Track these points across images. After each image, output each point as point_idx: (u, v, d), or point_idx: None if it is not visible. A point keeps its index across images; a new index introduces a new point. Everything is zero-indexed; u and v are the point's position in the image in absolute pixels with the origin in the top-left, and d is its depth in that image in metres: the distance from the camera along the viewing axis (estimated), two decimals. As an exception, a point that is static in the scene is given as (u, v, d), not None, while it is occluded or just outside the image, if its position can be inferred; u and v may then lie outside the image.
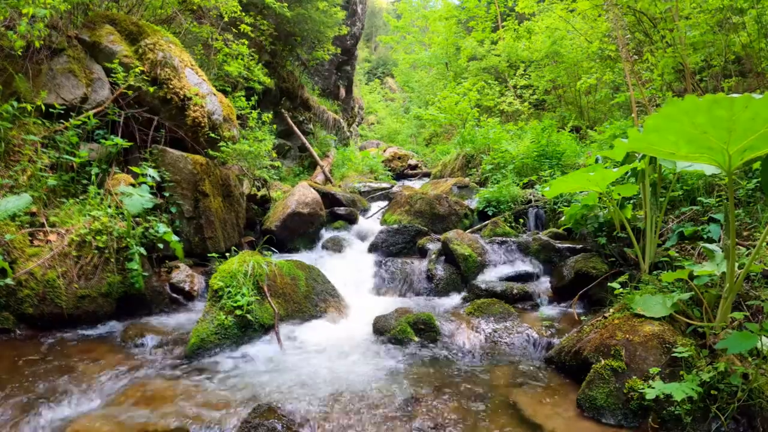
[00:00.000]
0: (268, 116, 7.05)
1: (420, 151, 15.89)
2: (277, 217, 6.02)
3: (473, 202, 6.88)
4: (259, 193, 6.83)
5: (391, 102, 28.08)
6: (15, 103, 3.84)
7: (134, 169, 4.27)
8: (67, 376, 2.77)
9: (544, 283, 4.55)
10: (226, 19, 7.00)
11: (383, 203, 7.89)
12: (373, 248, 5.62)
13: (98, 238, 3.64)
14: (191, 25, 6.67)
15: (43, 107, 4.08)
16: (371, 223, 6.97)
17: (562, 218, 4.86)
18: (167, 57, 4.93)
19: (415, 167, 13.73)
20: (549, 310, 4.01)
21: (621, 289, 3.32)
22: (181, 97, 4.93)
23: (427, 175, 12.26)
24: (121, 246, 3.72)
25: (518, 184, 6.81)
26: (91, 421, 2.37)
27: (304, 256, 5.52)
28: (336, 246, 5.88)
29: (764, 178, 2.41)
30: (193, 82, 5.12)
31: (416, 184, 10.22)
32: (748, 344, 2.21)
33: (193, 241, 4.74)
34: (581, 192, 4.54)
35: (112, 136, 4.40)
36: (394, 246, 5.56)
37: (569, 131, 8.67)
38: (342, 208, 7.03)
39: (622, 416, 2.44)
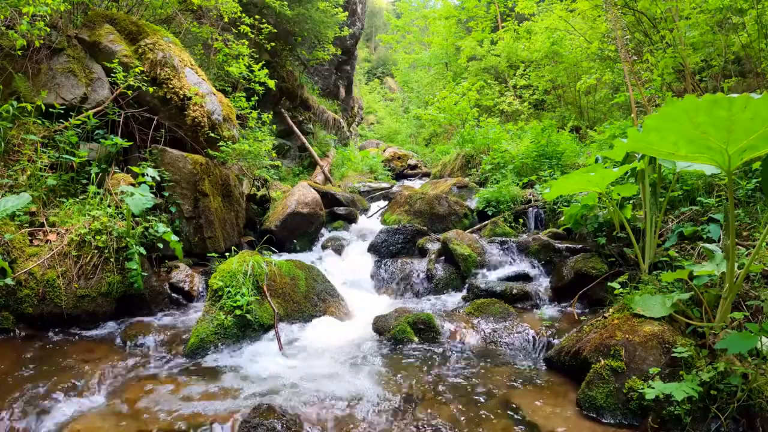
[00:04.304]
0: (267, 116, 7.05)
1: (420, 151, 15.89)
2: (276, 216, 6.02)
3: (473, 202, 6.88)
4: (259, 193, 6.83)
5: (390, 102, 28.09)
6: (15, 103, 3.84)
7: (134, 168, 4.27)
8: (67, 375, 2.77)
9: (544, 283, 4.54)
10: (226, 19, 7.00)
11: (383, 203, 7.89)
12: (372, 248, 5.62)
13: (98, 237, 3.63)
14: (191, 25, 6.67)
15: (43, 107, 4.08)
16: (371, 222, 6.97)
17: (562, 218, 4.85)
18: (167, 57, 4.93)
19: (414, 167, 13.74)
20: (549, 310, 4.01)
21: (621, 289, 3.32)
22: (181, 96, 4.93)
23: (426, 174, 12.26)
24: (121, 246, 3.72)
25: (518, 184, 6.81)
26: (91, 420, 2.37)
27: (303, 256, 5.52)
28: (336, 246, 5.88)
29: (764, 178, 2.41)
30: (193, 81, 5.12)
31: (416, 184, 10.23)
32: (748, 344, 2.21)
33: (192, 241, 4.74)
34: (581, 192, 4.54)
35: (111, 136, 4.40)
36: (393, 246, 5.56)
37: (569, 131, 8.67)
38: (342, 207, 7.03)
39: (621, 416, 2.44)
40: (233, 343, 3.36)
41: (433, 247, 5.22)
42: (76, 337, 3.39)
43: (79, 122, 4.20)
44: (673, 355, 2.50)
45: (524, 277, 4.64)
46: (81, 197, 4.07)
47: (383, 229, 5.82)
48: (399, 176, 12.99)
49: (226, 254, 4.48)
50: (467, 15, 16.14)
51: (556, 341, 3.31)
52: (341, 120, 14.34)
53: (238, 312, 3.43)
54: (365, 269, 5.14)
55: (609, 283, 3.49)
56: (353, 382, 2.84)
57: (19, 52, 3.97)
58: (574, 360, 2.88)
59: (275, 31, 8.33)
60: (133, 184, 4.16)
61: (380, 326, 3.67)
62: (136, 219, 3.96)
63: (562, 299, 4.16)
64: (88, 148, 4.31)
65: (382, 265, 5.08)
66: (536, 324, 3.64)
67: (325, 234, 6.39)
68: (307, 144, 10.74)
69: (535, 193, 6.42)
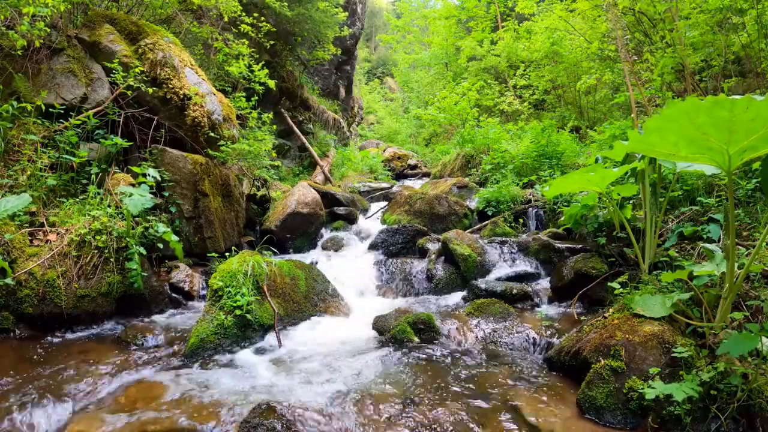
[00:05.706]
0: (268, 116, 7.05)
1: (420, 151, 15.90)
2: (276, 216, 6.02)
3: (473, 202, 6.88)
4: (259, 193, 6.83)
5: (390, 102, 28.10)
6: (15, 103, 3.84)
7: (134, 168, 4.27)
8: (67, 376, 2.77)
9: (544, 283, 4.54)
10: (226, 19, 7.00)
11: (383, 203, 7.89)
12: (372, 248, 5.62)
13: (98, 237, 3.63)
14: (191, 25, 6.67)
15: (43, 107, 4.08)
16: (371, 223, 6.97)
17: (562, 218, 4.85)
18: (167, 57, 4.93)
19: (414, 167, 13.75)
20: (549, 310, 4.01)
21: (621, 289, 3.32)
22: (181, 96, 4.93)
23: (426, 174, 12.27)
24: (121, 246, 3.72)
25: (518, 184, 6.81)
26: (91, 421, 2.37)
27: (303, 256, 5.53)
28: (336, 246, 5.88)
29: (764, 178, 2.41)
30: (193, 81, 5.12)
31: (416, 184, 10.23)
32: (749, 345, 2.20)
33: (192, 241, 4.74)
34: (581, 192, 4.54)
35: (111, 136, 4.40)
36: (393, 246, 5.56)
37: (569, 131, 8.67)
38: (342, 208, 7.03)
39: (621, 416, 2.44)
40: (233, 343, 3.36)
41: (433, 247, 5.22)
42: (76, 337, 3.39)
43: (79, 122, 4.19)
44: (673, 355, 2.50)
45: (524, 277, 4.64)
46: (81, 197, 4.07)
47: (383, 229, 5.82)
48: (399, 176, 13.00)
49: (226, 254, 4.48)
50: (467, 15, 16.14)
51: (556, 341, 3.31)
52: (341, 120, 14.34)
53: (238, 312, 3.43)
54: (365, 269, 5.14)
55: (609, 283, 3.49)
56: (353, 382, 2.84)
57: (19, 52, 3.97)
58: (574, 360, 2.88)
59: (276, 33, 8.33)
60: (133, 184, 4.17)
61: (380, 326, 3.67)
62: (136, 219, 3.96)
63: (562, 299, 4.16)
64: (88, 148, 4.31)
65: (383, 265, 5.08)
66: (536, 324, 3.64)
67: (325, 234, 6.39)
68: (307, 144, 10.74)
69: (535, 193, 6.42)
